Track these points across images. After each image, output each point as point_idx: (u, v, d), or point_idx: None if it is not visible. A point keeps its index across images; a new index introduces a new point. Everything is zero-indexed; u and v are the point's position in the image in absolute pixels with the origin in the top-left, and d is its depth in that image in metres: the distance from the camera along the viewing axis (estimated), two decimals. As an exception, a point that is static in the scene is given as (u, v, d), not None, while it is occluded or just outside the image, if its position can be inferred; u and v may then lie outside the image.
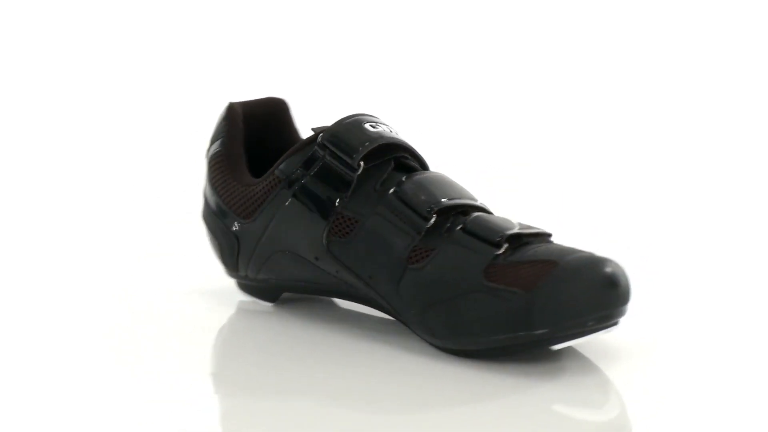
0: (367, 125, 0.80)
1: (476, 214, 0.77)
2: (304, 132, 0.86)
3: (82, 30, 1.60)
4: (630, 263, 0.95)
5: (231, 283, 0.90)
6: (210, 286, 0.90)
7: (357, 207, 0.78)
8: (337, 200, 0.79)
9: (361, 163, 0.79)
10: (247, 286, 0.86)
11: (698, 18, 1.59)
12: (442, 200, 0.77)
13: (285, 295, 0.85)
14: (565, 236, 1.00)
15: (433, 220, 0.76)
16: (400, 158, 0.80)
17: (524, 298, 0.72)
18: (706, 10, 1.59)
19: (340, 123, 0.81)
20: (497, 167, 1.26)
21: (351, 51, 1.58)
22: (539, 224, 0.91)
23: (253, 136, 0.87)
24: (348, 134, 0.80)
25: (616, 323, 0.73)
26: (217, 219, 0.86)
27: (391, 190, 0.78)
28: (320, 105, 0.92)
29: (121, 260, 0.98)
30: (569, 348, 0.75)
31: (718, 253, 0.98)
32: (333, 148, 0.80)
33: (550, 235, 0.77)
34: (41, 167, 1.26)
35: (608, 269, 0.73)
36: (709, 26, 1.58)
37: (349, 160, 0.79)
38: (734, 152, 1.28)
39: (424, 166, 0.81)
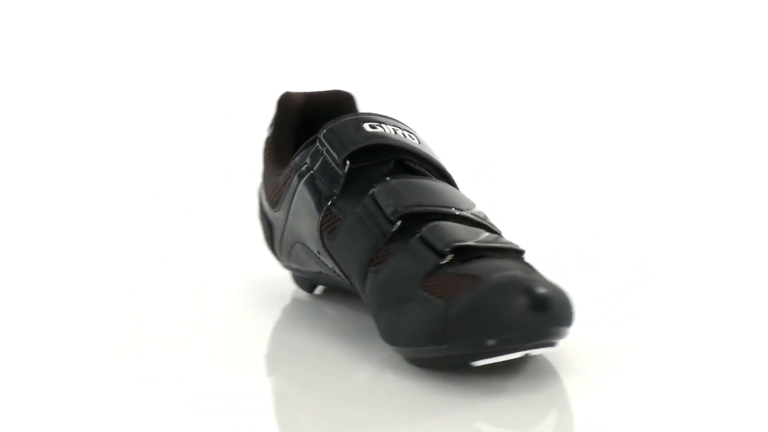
0: (365, 124, 0.80)
1: (439, 222, 0.75)
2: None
3: (84, 28, 1.60)
4: (628, 264, 0.95)
5: (231, 283, 0.91)
6: (210, 286, 0.90)
7: (344, 205, 0.78)
8: (330, 196, 0.79)
9: (347, 161, 0.79)
10: (292, 275, 0.87)
11: (698, 18, 1.59)
12: (411, 205, 0.76)
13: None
14: (565, 236, 1.01)
15: (398, 224, 0.75)
16: (404, 161, 0.79)
17: (442, 311, 0.71)
18: (705, 10, 1.59)
19: (339, 120, 0.81)
20: (497, 165, 1.26)
21: (349, 50, 1.58)
22: (538, 224, 0.91)
23: (313, 127, 0.86)
24: (342, 131, 0.80)
25: (546, 345, 0.71)
26: (260, 204, 0.87)
27: (371, 191, 0.77)
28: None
29: (121, 260, 0.98)
30: (526, 361, 0.74)
31: (716, 258, 0.98)
32: (327, 145, 0.80)
33: (520, 252, 0.75)
34: (41, 167, 1.26)
35: (530, 290, 0.70)
36: (708, 26, 1.58)
37: (337, 158, 0.79)
38: (733, 154, 1.28)
39: (441, 172, 0.80)
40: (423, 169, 0.79)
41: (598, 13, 1.61)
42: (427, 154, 0.80)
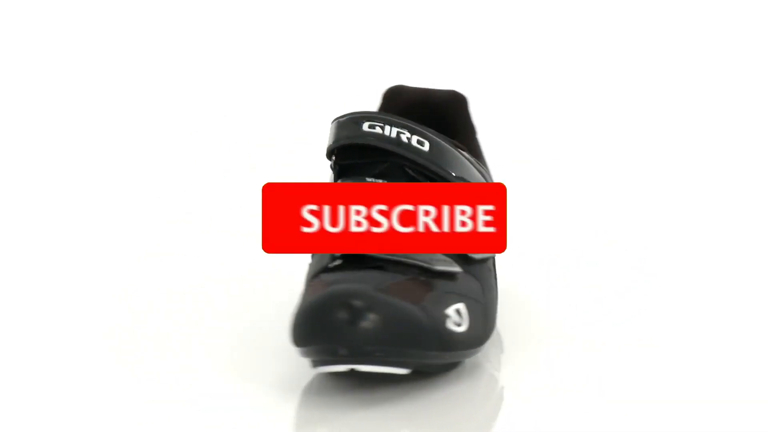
0: (366, 123, 0.79)
1: None
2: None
3: (85, 28, 1.60)
4: (628, 264, 0.95)
5: (231, 283, 0.90)
6: (210, 286, 0.90)
7: None
8: None
9: (333, 156, 0.78)
10: None
11: (695, 18, 1.59)
12: None
13: None
14: (565, 236, 1.01)
15: None
16: (403, 165, 0.77)
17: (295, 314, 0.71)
18: (706, 10, 1.59)
19: (345, 115, 0.80)
20: (497, 165, 1.26)
21: (347, 49, 1.59)
22: (538, 224, 0.91)
23: (422, 122, 0.84)
24: (341, 126, 0.79)
25: (382, 363, 0.69)
26: None
27: None
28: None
29: (121, 260, 0.98)
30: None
31: (716, 258, 0.98)
32: (329, 137, 0.80)
33: (431, 271, 0.73)
34: (41, 167, 1.26)
35: (346, 305, 0.68)
36: (707, 26, 1.58)
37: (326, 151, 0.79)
38: (732, 154, 1.28)
39: (447, 180, 0.78)
40: (419, 176, 0.77)
41: (595, 14, 1.61)
42: (424, 161, 0.77)
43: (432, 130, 0.79)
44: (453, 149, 0.79)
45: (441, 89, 0.87)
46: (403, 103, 0.85)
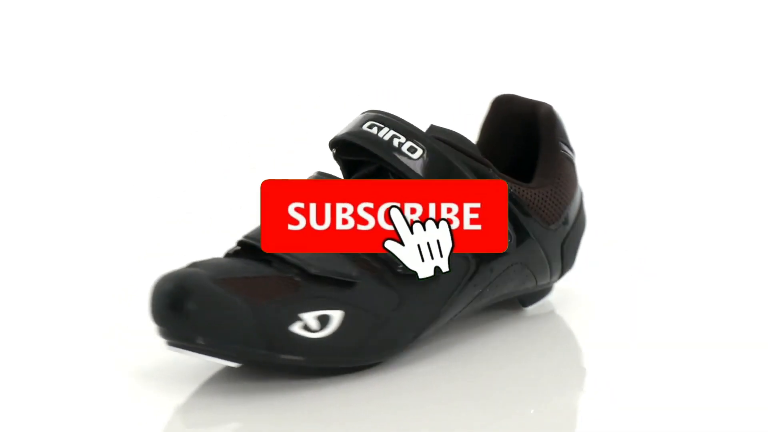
0: (367, 122, 0.78)
1: None
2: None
3: (86, 28, 1.60)
4: (628, 264, 0.95)
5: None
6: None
7: None
8: None
9: (333, 149, 0.79)
10: None
11: (691, 18, 1.59)
12: None
13: None
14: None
15: None
16: (387, 169, 0.77)
17: None
18: (706, 11, 1.59)
19: (366, 111, 0.80)
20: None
21: (351, 50, 1.59)
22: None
23: (517, 133, 0.86)
24: (349, 122, 0.80)
25: (186, 347, 0.70)
26: None
27: None
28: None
29: (121, 260, 0.98)
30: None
31: (716, 257, 0.98)
32: None
33: (307, 272, 0.72)
34: (42, 167, 1.26)
35: (162, 287, 0.70)
36: (709, 26, 1.58)
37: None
38: (732, 154, 1.28)
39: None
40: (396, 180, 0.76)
41: (592, 14, 1.61)
42: (405, 168, 0.76)
43: (439, 137, 0.78)
44: (453, 162, 0.77)
45: (543, 102, 0.87)
46: (506, 111, 0.87)
